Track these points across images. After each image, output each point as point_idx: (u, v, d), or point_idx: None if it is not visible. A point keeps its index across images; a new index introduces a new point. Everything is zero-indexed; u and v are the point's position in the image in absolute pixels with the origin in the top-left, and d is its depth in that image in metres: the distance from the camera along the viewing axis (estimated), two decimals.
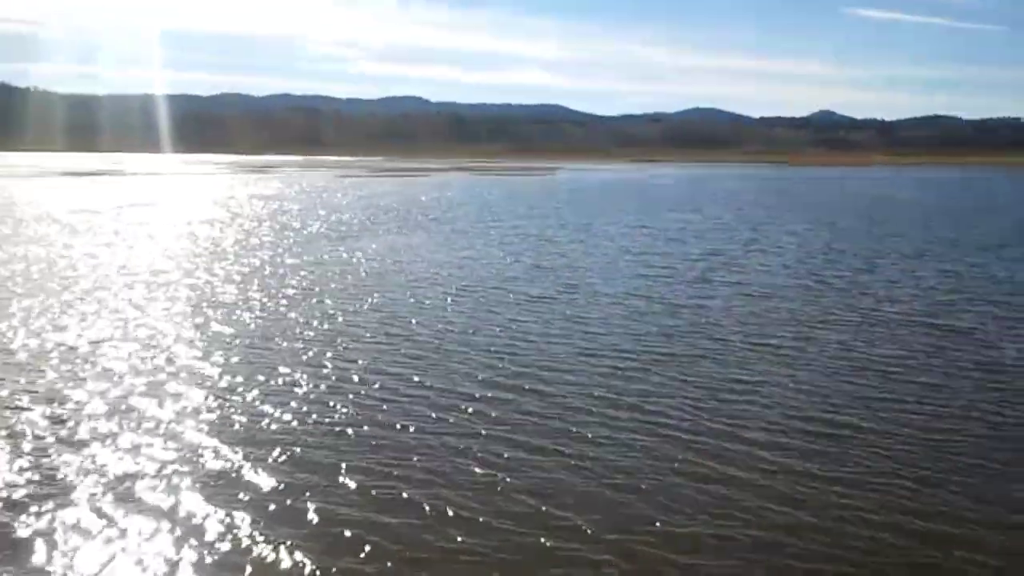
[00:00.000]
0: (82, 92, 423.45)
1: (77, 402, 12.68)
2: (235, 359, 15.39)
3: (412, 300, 21.59)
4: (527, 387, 13.74)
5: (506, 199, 69.33)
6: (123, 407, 12.50)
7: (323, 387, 13.68)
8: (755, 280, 25.54)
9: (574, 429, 11.75)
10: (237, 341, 16.81)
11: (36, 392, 13.16)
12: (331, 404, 12.77)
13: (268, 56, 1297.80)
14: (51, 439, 11.10)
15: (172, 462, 10.41)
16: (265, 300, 21.41)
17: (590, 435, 11.52)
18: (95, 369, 14.58)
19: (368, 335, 17.40)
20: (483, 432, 11.60)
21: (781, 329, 18.44)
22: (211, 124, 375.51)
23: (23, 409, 12.28)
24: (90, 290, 22.52)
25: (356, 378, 14.19)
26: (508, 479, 10.01)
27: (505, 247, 33.66)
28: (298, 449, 10.91)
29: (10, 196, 66.28)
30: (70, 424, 11.68)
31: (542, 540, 8.55)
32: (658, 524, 8.90)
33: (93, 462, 10.34)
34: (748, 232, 41.37)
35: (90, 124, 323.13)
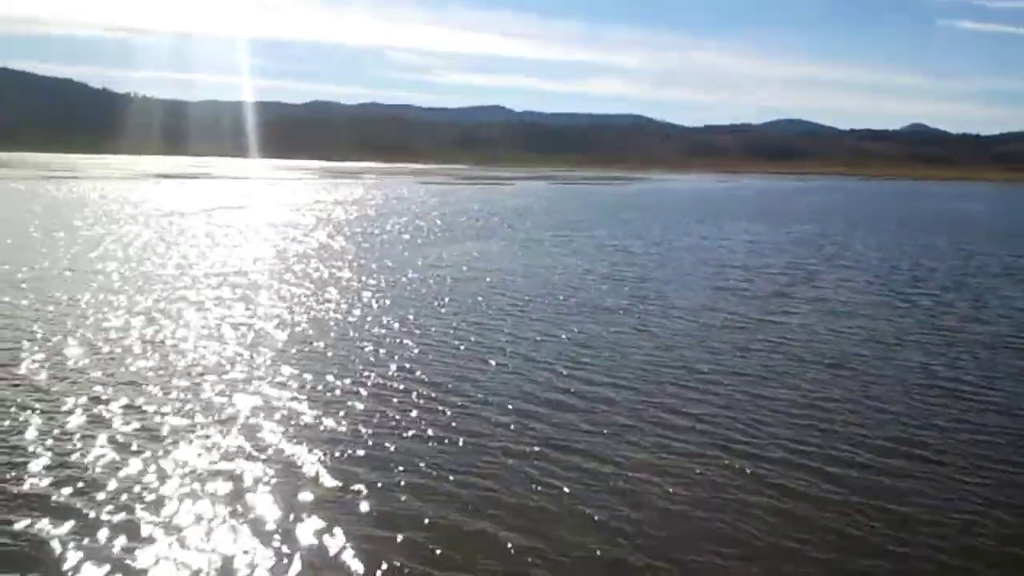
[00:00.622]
0: (177, 98, 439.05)
1: (163, 397, 13.21)
2: (316, 358, 15.82)
3: (484, 307, 21.76)
4: (590, 398, 13.77)
5: (584, 208, 69.33)
6: (212, 403, 12.97)
7: (401, 389, 13.96)
8: (835, 296, 25.02)
9: (635, 444, 11.72)
10: (319, 341, 17.25)
11: (126, 384, 13.74)
12: (410, 405, 13.05)
13: (356, 66, 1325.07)
14: (135, 432, 11.59)
15: (261, 459, 10.76)
16: (346, 302, 21.89)
17: (653, 454, 11.49)
18: (183, 365, 15.14)
19: (444, 339, 17.63)
20: (544, 443, 11.67)
21: (859, 347, 18.03)
22: (300, 131, 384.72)
23: (108, 400, 12.85)
24: (180, 289, 23.37)
25: (431, 381, 14.43)
26: (568, 488, 10.07)
27: (581, 256, 33.66)
28: (384, 448, 11.18)
29: (110, 197, 69.12)
30: (153, 418, 12.17)
31: (605, 548, 8.61)
32: (724, 544, 8.85)
33: (177, 456, 10.77)
34: (830, 246, 40.58)
35: (184, 129, 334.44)
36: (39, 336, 17.18)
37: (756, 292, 25.48)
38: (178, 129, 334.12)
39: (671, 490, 10.14)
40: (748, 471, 10.76)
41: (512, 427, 12.26)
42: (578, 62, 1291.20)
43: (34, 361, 15.17)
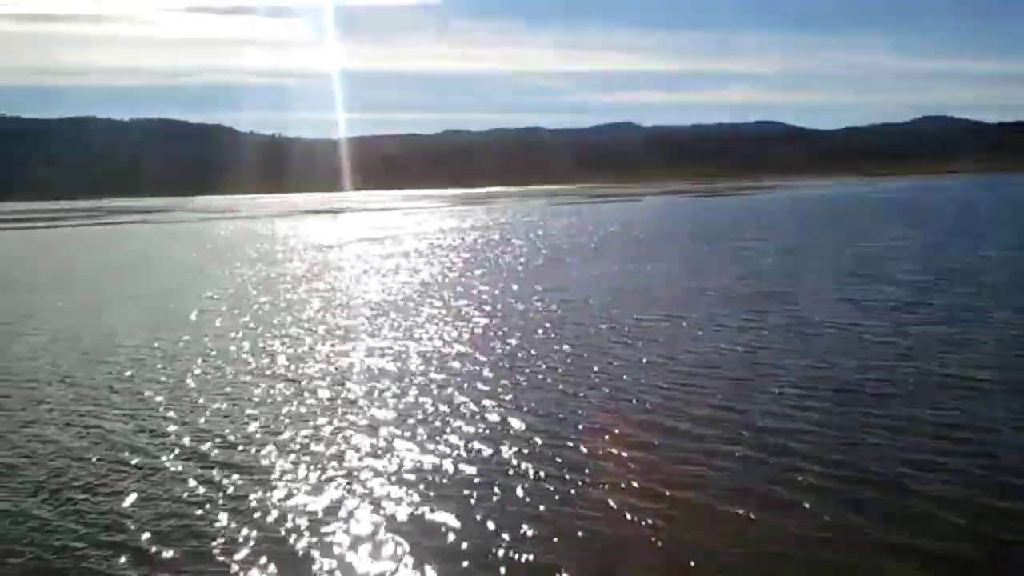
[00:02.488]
0: (320, 137, 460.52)
1: (328, 421, 14.64)
2: (479, 377, 16.83)
3: (628, 325, 22.34)
4: (722, 415, 14.29)
5: (719, 220, 68.75)
6: (387, 427, 14.31)
7: (563, 410, 14.73)
8: (973, 305, 23.79)
9: (744, 467, 12.23)
10: (480, 358, 18.41)
11: (296, 408, 15.30)
12: (573, 426, 13.75)
13: (484, 93, 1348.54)
14: (308, 453, 13.01)
15: (436, 482, 11.96)
16: (493, 323, 23.04)
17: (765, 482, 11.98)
18: (353, 389, 16.61)
19: (592, 355, 18.46)
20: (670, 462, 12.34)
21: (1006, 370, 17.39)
22: (433, 159, 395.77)
23: (281, 426, 14.39)
24: (337, 316, 25.20)
25: (589, 398, 15.32)
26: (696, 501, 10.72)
27: (715, 269, 33.77)
28: (553, 467, 12.06)
29: (261, 233, 73.67)
30: (327, 440, 13.59)
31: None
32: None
33: (355, 472, 12.09)
34: (987, 250, 38.81)
35: (324, 165, 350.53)
36: (247, 350, 19.15)
37: (896, 302, 24.77)
38: (320, 165, 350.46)
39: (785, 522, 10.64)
40: (855, 506, 10.91)
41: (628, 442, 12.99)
42: (706, 72, 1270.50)
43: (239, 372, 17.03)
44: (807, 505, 10.09)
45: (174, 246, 63.83)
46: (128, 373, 18.58)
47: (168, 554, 9.41)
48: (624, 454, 11.99)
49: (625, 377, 16.46)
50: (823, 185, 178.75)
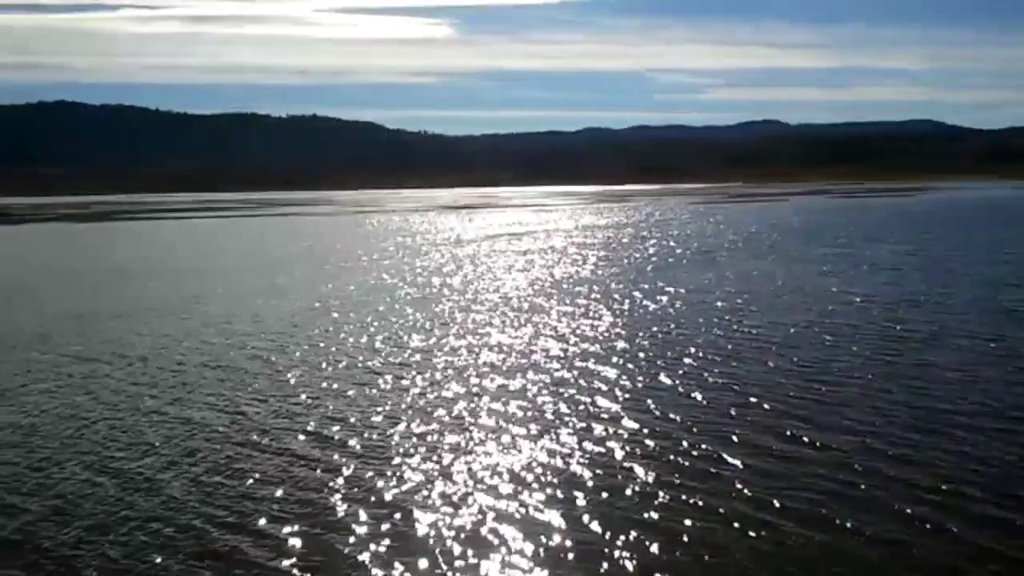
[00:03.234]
0: (461, 134, 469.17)
1: (479, 408, 14.88)
2: (629, 375, 16.81)
3: (762, 329, 21.76)
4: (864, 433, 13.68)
5: (866, 222, 65.83)
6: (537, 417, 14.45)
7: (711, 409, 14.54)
8: None
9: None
10: (609, 357, 18.32)
11: (425, 398, 15.63)
12: (719, 427, 13.62)
13: (625, 91, 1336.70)
14: (448, 442, 13.27)
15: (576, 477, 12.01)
16: (622, 321, 22.87)
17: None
18: (479, 383, 16.82)
19: (742, 359, 18.08)
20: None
21: None
22: (574, 157, 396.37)
23: (424, 412, 14.73)
24: (471, 310, 25.61)
25: (740, 399, 15.04)
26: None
27: (864, 275, 32.38)
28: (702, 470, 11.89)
29: (409, 227, 75.82)
30: (468, 430, 13.82)
31: None
32: None
33: (494, 465, 12.26)
34: None
35: (467, 161, 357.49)
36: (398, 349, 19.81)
37: None
38: (462, 163, 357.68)
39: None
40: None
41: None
42: (855, 68, 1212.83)
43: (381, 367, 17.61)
44: (952, 528, 9.54)
45: (320, 238, 66.43)
46: (272, 358, 19.49)
47: (287, 535, 9.79)
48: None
49: (765, 384, 16.01)
50: (981, 187, 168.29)
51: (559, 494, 10.79)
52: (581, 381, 16.51)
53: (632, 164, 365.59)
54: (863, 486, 10.74)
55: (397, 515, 10.24)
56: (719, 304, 25.86)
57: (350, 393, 16.04)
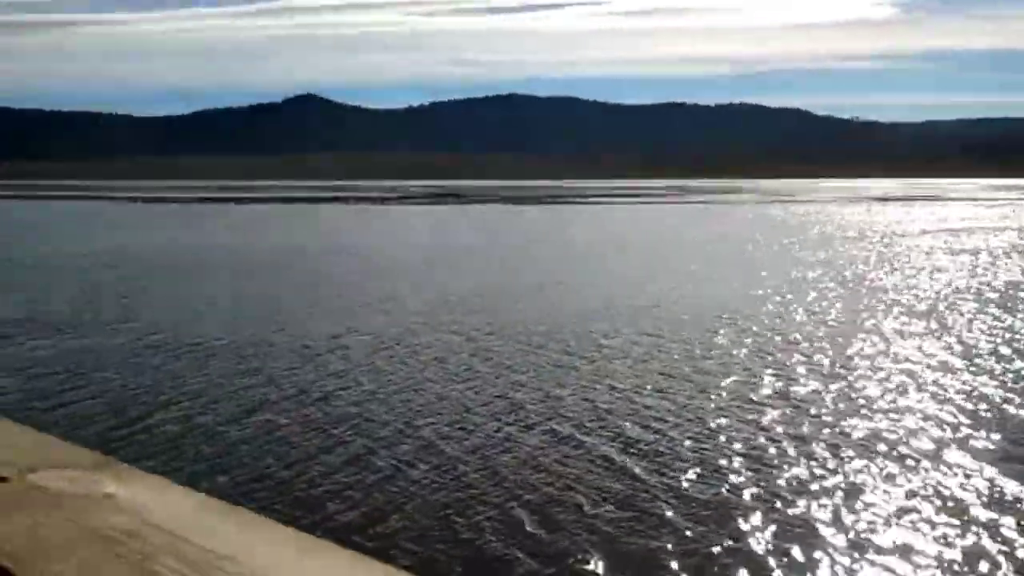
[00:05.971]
0: (906, 121, 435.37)
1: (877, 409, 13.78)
2: None
3: None
4: None
5: None
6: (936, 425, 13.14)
7: None
8: None
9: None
10: None
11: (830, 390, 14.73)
12: None
13: None
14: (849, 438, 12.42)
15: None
16: None
17: None
18: (893, 393, 15.43)
19: None
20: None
21: None
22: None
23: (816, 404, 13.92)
24: (893, 311, 23.66)
25: None
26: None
27: None
28: None
29: (831, 219, 72.23)
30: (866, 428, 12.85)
31: None
32: None
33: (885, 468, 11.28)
34: None
35: (901, 150, 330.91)
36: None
37: None
38: (899, 152, 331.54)
39: None
40: None
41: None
42: None
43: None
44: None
45: (738, 227, 65.80)
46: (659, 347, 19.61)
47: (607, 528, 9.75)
48: None
49: None
50: None
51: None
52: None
53: None
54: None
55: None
56: None
57: (750, 382, 15.45)
